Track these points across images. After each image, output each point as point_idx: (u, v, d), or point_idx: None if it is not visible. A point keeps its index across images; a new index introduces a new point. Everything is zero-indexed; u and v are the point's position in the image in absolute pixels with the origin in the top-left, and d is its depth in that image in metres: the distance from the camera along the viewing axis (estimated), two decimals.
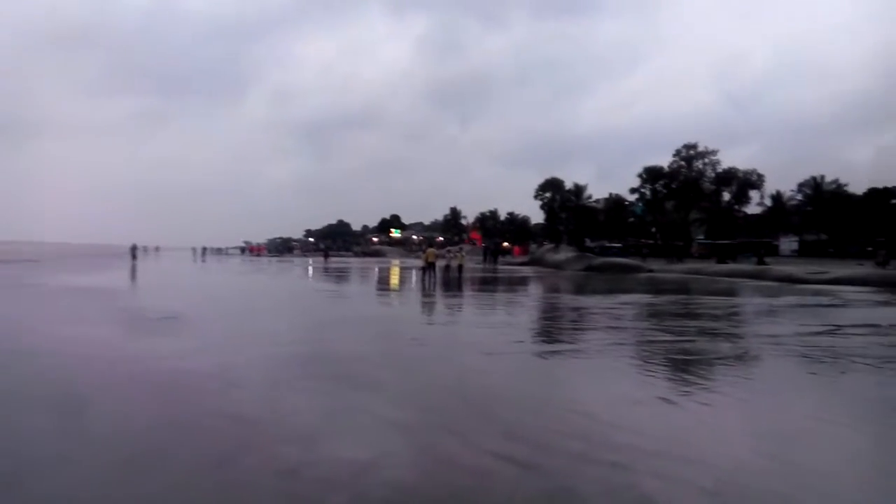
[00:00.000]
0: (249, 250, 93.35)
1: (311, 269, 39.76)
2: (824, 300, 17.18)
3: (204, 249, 72.77)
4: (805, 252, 54.34)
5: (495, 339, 9.81)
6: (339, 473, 3.90)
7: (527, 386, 6.69)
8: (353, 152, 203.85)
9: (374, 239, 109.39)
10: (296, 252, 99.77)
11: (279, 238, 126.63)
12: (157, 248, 79.91)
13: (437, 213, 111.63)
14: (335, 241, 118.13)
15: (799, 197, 61.90)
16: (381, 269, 38.32)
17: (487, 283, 26.37)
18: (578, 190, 73.81)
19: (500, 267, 41.72)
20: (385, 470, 3.99)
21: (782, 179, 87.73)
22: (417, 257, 44.54)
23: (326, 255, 61.45)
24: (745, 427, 5.27)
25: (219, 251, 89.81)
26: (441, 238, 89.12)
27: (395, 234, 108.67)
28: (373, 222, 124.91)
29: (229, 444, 4.43)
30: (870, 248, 39.02)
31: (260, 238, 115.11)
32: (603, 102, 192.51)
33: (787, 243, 59.05)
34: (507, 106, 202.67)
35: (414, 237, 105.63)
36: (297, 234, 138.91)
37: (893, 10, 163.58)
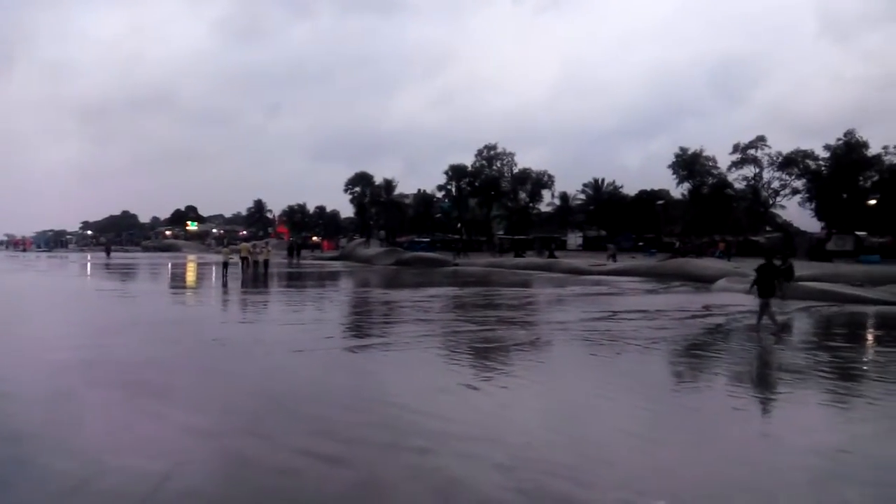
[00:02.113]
0: (14, 244, 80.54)
1: (89, 265, 35.36)
2: (603, 289, 19.45)
3: None
4: (588, 246, 60.87)
5: (304, 336, 9.63)
6: (132, 487, 3.56)
7: (337, 381, 6.68)
8: (141, 138, 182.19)
9: (168, 232, 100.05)
10: (71, 247, 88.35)
11: (50, 231, 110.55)
12: None
13: (240, 206, 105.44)
14: (119, 234, 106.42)
15: (582, 197, 69.27)
16: (176, 266, 35.24)
17: (297, 279, 25.68)
18: (389, 185, 74.72)
19: (308, 262, 40.70)
20: (183, 479, 3.73)
21: (568, 180, 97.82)
22: (217, 252, 41.82)
23: (108, 250, 54.78)
24: (537, 406, 5.84)
25: None
26: (244, 232, 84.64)
27: (192, 227, 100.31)
28: (165, 214, 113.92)
29: None
30: (613, 244, 44.94)
31: (26, 231, 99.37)
32: (412, 100, 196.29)
33: (574, 238, 65.64)
34: (316, 98, 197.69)
35: (214, 230, 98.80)
36: (73, 226, 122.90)
37: (664, 32, 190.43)
